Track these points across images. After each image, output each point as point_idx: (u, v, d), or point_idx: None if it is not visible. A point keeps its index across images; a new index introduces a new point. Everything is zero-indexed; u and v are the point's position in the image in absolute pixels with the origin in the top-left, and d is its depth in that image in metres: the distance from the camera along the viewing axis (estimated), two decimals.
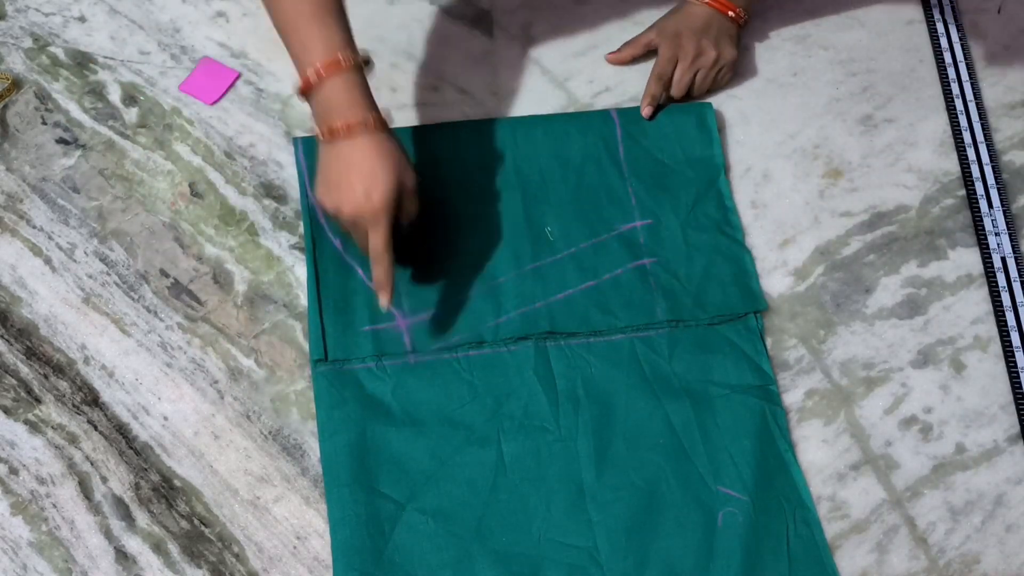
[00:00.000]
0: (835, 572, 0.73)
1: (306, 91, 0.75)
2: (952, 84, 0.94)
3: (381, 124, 0.75)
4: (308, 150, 0.86)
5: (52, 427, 0.78)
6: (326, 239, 0.83)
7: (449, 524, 0.73)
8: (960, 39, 0.97)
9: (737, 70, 0.94)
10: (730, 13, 0.91)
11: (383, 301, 0.75)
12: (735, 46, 0.92)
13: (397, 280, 0.79)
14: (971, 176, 0.89)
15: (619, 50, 0.95)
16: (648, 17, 0.98)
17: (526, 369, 0.79)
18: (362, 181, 0.74)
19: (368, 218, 0.74)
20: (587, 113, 0.91)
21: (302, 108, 0.92)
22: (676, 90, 0.91)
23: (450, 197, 0.86)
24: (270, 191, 0.88)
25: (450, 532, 0.73)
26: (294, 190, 0.88)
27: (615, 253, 0.84)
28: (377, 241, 0.74)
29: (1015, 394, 0.80)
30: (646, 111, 0.90)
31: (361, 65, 0.75)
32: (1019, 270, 0.85)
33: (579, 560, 0.72)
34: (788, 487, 0.76)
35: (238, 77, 0.93)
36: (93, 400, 0.79)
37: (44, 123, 0.91)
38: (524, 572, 0.72)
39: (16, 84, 0.93)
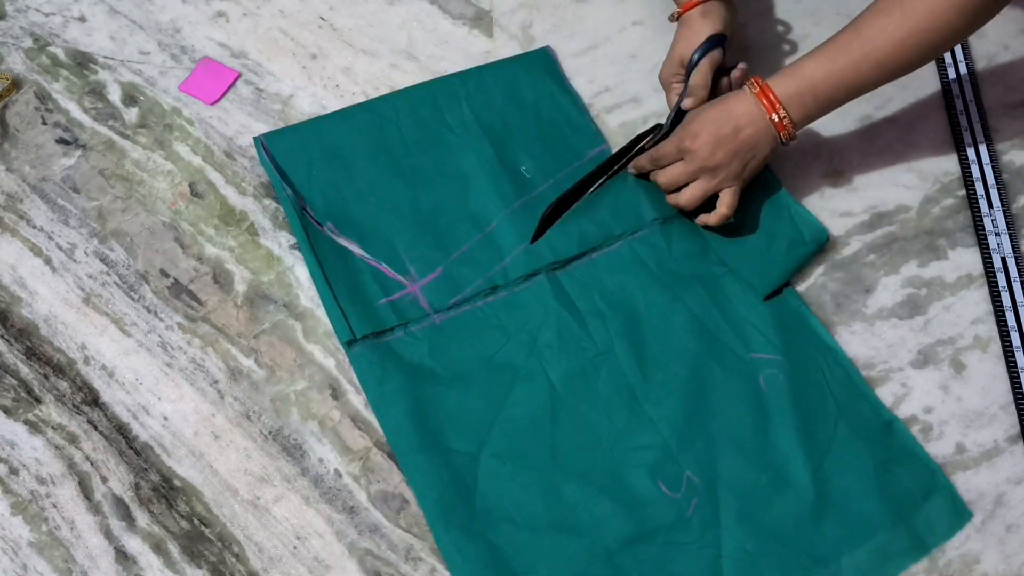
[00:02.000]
0: (875, 399, 0.78)
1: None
2: (952, 84, 0.94)
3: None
4: (273, 144, 0.88)
5: (52, 427, 0.78)
6: (316, 228, 0.84)
7: (524, 460, 0.76)
8: None
9: None
10: (781, 131, 0.79)
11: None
12: (759, 167, 0.81)
13: (397, 248, 0.84)
14: (971, 176, 0.89)
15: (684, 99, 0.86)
16: (648, 17, 0.97)
17: (547, 300, 0.82)
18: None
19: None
20: (528, 54, 0.95)
21: (302, 108, 0.92)
22: (665, 187, 0.83)
23: (424, 160, 0.89)
24: (270, 191, 0.88)
25: (528, 467, 0.76)
26: None
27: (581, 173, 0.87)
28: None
29: (1015, 394, 0.80)
30: (632, 171, 0.87)
31: None
32: (1019, 270, 0.84)
33: (654, 457, 0.76)
34: (811, 336, 0.81)
35: (238, 77, 0.93)
36: (93, 400, 0.79)
37: (44, 123, 0.91)
38: (608, 483, 0.75)
39: (16, 84, 0.93)
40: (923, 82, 0.95)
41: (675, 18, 0.86)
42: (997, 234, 0.86)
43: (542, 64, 0.94)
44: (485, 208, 0.86)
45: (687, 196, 0.82)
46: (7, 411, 0.79)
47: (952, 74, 0.94)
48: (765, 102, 0.78)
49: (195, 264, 0.85)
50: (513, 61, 0.94)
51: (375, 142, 0.89)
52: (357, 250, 0.83)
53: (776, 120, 0.78)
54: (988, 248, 0.86)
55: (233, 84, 0.93)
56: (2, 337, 0.82)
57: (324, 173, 0.87)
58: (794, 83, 0.78)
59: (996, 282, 0.84)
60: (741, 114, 0.79)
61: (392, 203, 0.86)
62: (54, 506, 0.75)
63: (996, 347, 0.82)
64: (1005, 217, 0.87)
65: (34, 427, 0.78)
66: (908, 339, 0.82)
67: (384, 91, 0.93)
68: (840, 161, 0.91)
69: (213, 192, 0.88)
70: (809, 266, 0.85)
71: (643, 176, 0.86)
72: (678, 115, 0.85)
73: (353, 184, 0.87)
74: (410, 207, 0.86)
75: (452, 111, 0.91)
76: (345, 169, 0.87)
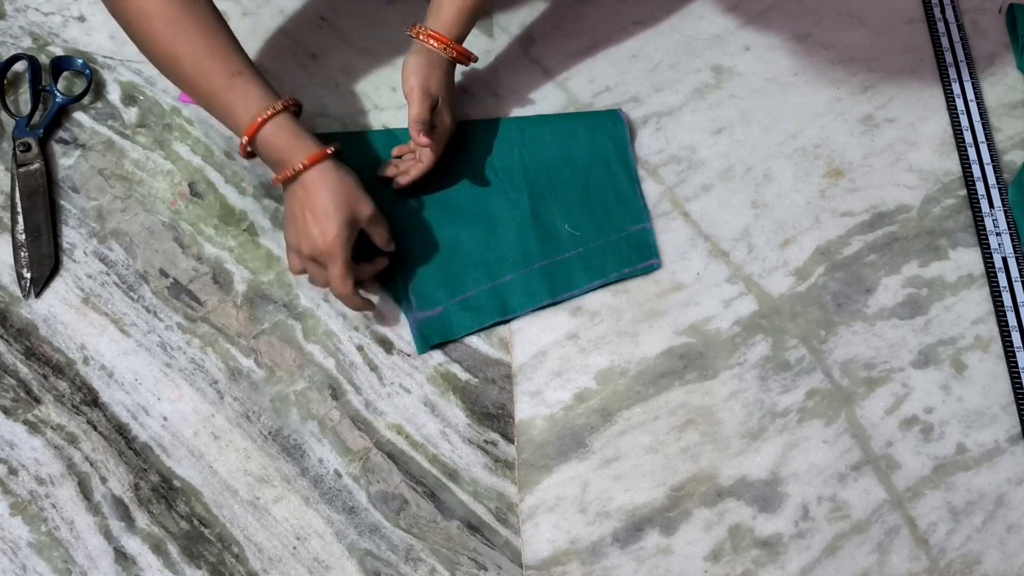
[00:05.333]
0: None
1: (248, 156, 0.79)
2: (953, 84, 0.94)
3: (324, 158, 0.77)
4: None
5: (51, 427, 0.78)
6: None
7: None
8: (960, 39, 0.97)
9: (738, 70, 0.94)
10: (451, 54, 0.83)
11: (369, 312, 0.82)
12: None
13: (406, 277, 0.84)
14: (972, 176, 0.89)
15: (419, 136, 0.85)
16: (648, 16, 0.98)
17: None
18: (315, 221, 0.76)
19: (323, 256, 0.77)
20: (595, 113, 0.92)
21: (302, 108, 0.92)
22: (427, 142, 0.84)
23: (458, 194, 0.88)
24: (270, 191, 0.88)
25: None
26: None
27: (624, 253, 0.85)
28: (335, 274, 0.77)
29: (1016, 394, 0.80)
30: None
31: (287, 106, 0.77)
32: (1020, 270, 0.84)
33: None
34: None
35: None
36: (92, 400, 0.79)
37: None
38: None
39: (15, 84, 0.93)
40: (923, 82, 0.95)
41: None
42: (998, 234, 0.86)
43: (608, 127, 0.91)
44: (504, 261, 0.85)
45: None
46: (6, 411, 0.79)
47: (953, 74, 0.94)
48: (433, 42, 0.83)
49: (195, 264, 0.85)
50: (579, 117, 0.91)
51: None
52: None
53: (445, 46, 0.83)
54: (989, 248, 0.86)
55: None
56: (1, 337, 0.81)
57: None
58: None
59: (997, 282, 0.84)
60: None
61: (413, 231, 0.86)
62: (53, 506, 0.75)
63: (997, 347, 0.82)
64: (1006, 217, 0.87)
65: (33, 427, 0.78)
66: (909, 339, 0.82)
67: (384, 91, 0.93)
68: (840, 161, 0.90)
69: (213, 192, 0.88)
70: (810, 266, 0.85)
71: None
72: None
73: (381, 200, 0.84)
74: (429, 239, 0.86)
75: (502, 155, 0.89)
76: (378, 185, 0.87)
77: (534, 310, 0.83)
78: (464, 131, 0.90)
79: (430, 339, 0.82)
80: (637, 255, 0.85)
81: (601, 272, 0.84)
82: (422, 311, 0.82)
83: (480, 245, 0.86)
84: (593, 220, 0.87)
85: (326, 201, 0.76)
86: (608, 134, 0.90)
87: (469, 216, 0.87)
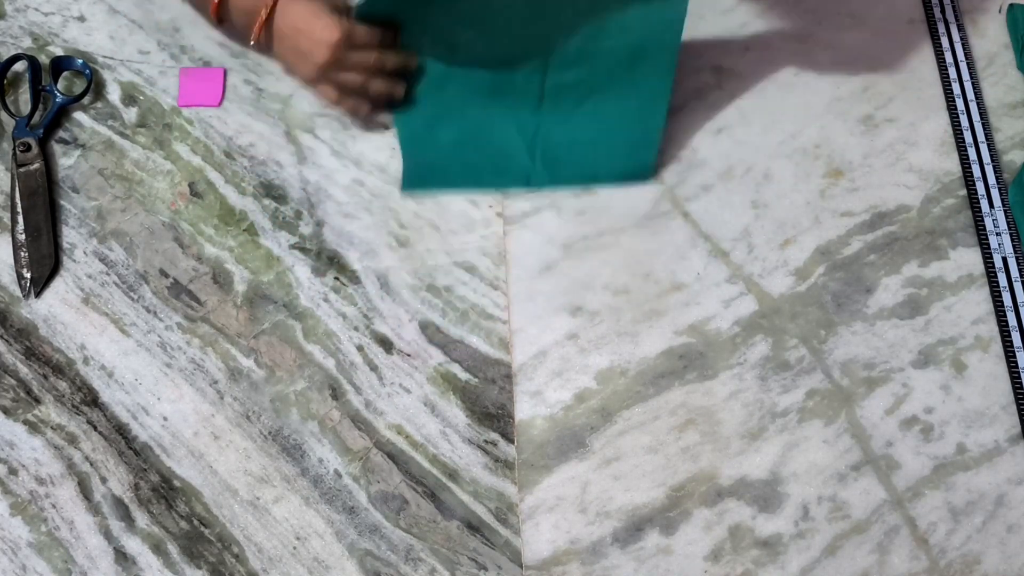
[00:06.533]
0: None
1: (220, 21, 0.85)
2: (953, 84, 0.94)
3: None
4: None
5: (51, 427, 0.78)
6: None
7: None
8: (960, 39, 0.97)
9: (738, 70, 0.94)
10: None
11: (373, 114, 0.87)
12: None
13: (407, 106, 0.86)
14: (972, 176, 0.89)
15: None
16: None
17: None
18: (313, 31, 0.81)
19: (316, 81, 0.84)
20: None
21: (302, 107, 0.92)
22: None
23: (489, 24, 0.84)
24: (270, 191, 0.88)
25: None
26: (294, 189, 0.88)
27: (623, 154, 0.88)
28: (329, 95, 0.84)
29: (1016, 394, 0.80)
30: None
31: None
32: (1020, 270, 0.84)
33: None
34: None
35: (225, 73, 0.93)
36: (92, 400, 0.79)
37: None
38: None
39: (15, 84, 0.93)
40: (923, 82, 0.95)
41: None
42: (998, 234, 0.86)
43: (666, 12, 0.83)
44: (507, 117, 0.87)
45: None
46: (6, 411, 0.79)
47: (953, 74, 0.94)
48: None
49: (194, 264, 0.85)
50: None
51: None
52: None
53: None
54: (989, 248, 0.86)
55: (225, 80, 0.93)
56: (1, 337, 0.81)
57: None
58: None
59: (997, 282, 0.84)
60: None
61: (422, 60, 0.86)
62: (53, 506, 0.75)
63: (997, 347, 0.82)
64: (1006, 217, 0.87)
65: (33, 427, 0.78)
66: (909, 339, 0.82)
67: None
68: (840, 161, 0.90)
69: (213, 192, 0.88)
70: (810, 266, 0.85)
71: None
72: None
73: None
74: (439, 68, 0.86)
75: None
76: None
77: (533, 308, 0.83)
78: None
79: (415, 184, 0.85)
80: (633, 161, 0.86)
81: (593, 175, 0.86)
82: (412, 149, 0.85)
83: (489, 90, 0.86)
84: (612, 106, 0.86)
85: (311, 12, 0.80)
86: (663, 18, 0.84)
87: (486, 57, 0.85)
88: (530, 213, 0.88)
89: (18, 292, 0.83)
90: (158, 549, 0.74)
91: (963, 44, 0.97)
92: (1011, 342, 0.82)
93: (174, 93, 0.93)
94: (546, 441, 0.79)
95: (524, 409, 0.80)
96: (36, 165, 0.87)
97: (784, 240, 0.87)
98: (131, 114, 0.92)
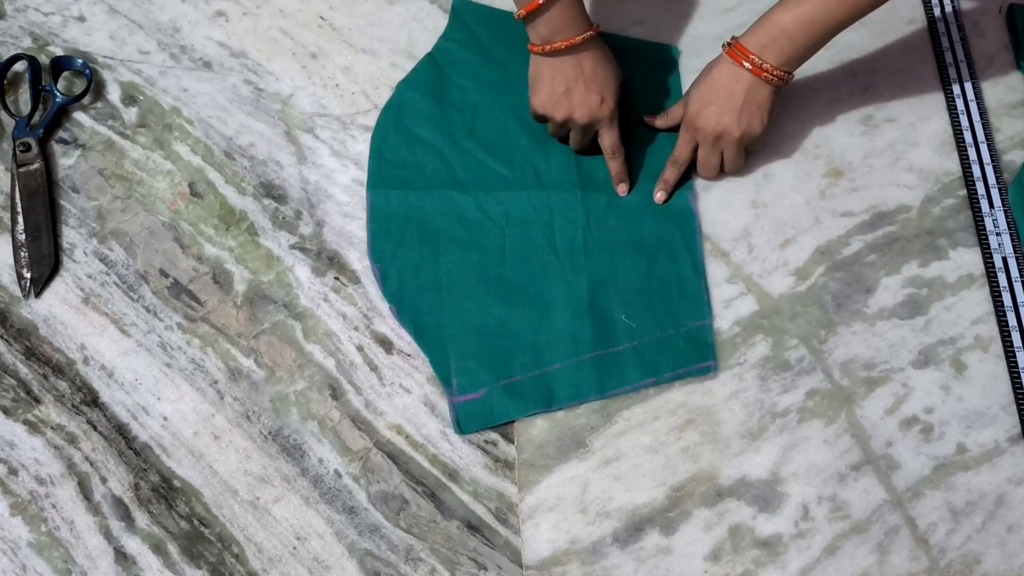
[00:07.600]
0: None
1: (531, 11, 0.81)
2: (953, 84, 0.94)
3: (598, 38, 0.84)
4: (376, 198, 0.88)
5: (51, 427, 0.78)
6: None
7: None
8: (960, 39, 0.97)
9: None
10: (763, 75, 0.82)
11: (623, 191, 0.88)
12: (766, 115, 0.83)
13: (448, 353, 0.81)
14: (972, 176, 0.89)
15: (656, 117, 0.91)
16: (648, 16, 0.97)
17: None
18: (597, 88, 0.83)
19: (604, 120, 0.85)
20: (669, 205, 0.88)
21: (302, 107, 0.92)
22: (704, 174, 0.88)
23: (514, 274, 0.85)
24: (270, 191, 0.88)
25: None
26: (294, 189, 0.88)
27: (680, 351, 0.81)
28: (614, 139, 0.86)
29: (1016, 394, 0.80)
30: (659, 196, 0.87)
31: None
32: (1020, 270, 0.84)
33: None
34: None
35: None
36: (92, 400, 0.79)
37: None
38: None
39: (15, 84, 0.93)
40: (923, 82, 0.95)
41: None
42: (998, 234, 0.86)
43: (677, 215, 0.87)
44: (553, 346, 0.81)
45: (712, 168, 0.87)
46: (6, 411, 0.79)
47: (953, 74, 0.94)
48: (739, 57, 0.82)
49: (194, 264, 0.85)
50: (648, 205, 0.88)
51: (473, 241, 0.86)
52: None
53: (754, 67, 0.81)
54: (989, 248, 0.86)
55: None
56: (1, 337, 0.81)
57: (410, 253, 0.85)
58: (765, 32, 0.81)
59: (997, 282, 0.84)
60: (726, 77, 0.83)
61: (463, 307, 0.83)
62: (53, 506, 0.75)
63: (997, 347, 0.82)
64: (1006, 217, 0.87)
65: (33, 427, 0.78)
66: (909, 339, 0.82)
67: (384, 91, 0.93)
68: (840, 161, 0.90)
69: (213, 192, 0.88)
70: (810, 266, 0.85)
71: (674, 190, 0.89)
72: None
73: (433, 274, 0.84)
74: (479, 317, 0.82)
75: (564, 234, 0.86)
76: (432, 256, 0.85)
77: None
78: (525, 204, 0.88)
79: (469, 425, 0.79)
80: (694, 354, 0.81)
81: (654, 370, 0.80)
82: (464, 394, 0.79)
83: (531, 328, 0.82)
84: (652, 312, 0.83)
85: (606, 71, 0.84)
86: (676, 221, 0.87)
87: (523, 297, 0.83)
88: None
89: (18, 292, 0.83)
90: (158, 549, 0.74)
91: (963, 44, 0.96)
92: (1011, 342, 0.81)
93: (174, 93, 0.93)
94: (546, 441, 0.79)
95: None
96: (36, 165, 0.88)
97: (784, 240, 0.87)
98: (131, 114, 0.92)
